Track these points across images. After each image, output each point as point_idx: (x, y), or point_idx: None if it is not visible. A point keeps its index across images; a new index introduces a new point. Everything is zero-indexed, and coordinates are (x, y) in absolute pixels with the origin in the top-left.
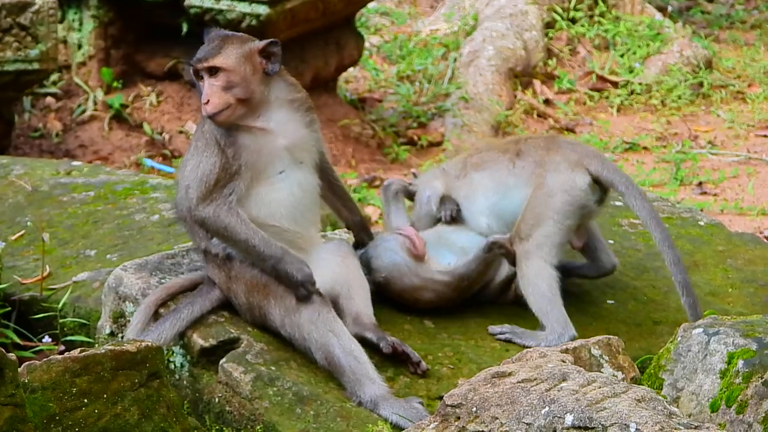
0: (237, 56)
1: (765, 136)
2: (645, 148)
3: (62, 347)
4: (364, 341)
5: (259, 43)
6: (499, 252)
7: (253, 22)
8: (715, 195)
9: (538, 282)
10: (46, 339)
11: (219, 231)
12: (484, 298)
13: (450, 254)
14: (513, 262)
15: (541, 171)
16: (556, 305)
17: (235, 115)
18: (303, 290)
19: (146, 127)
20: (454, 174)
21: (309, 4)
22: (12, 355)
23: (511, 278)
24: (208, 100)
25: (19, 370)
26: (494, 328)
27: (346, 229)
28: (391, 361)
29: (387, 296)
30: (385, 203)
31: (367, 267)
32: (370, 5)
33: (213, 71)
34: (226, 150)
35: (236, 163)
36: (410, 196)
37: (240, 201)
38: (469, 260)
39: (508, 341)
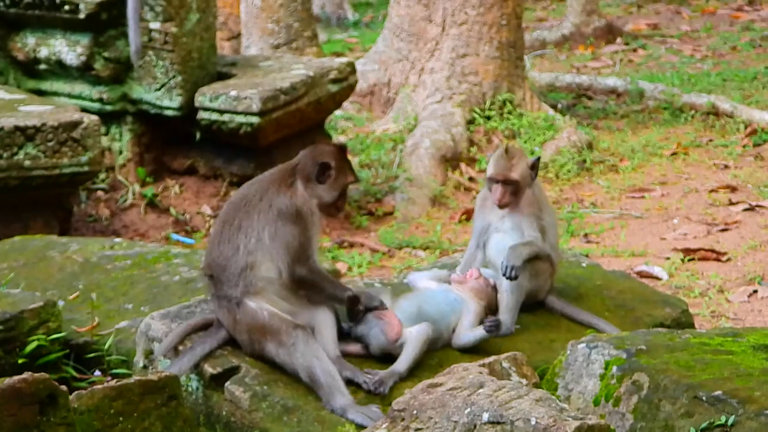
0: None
1: (633, 197)
2: None
3: (109, 378)
4: None
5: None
6: None
7: (248, 129)
8: (597, 243)
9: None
10: (97, 373)
11: (313, 279)
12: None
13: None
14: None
15: None
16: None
17: None
18: (348, 304)
19: (172, 211)
20: None
21: (289, 114)
22: (63, 387)
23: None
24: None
25: (70, 397)
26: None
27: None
28: None
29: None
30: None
31: (358, 338)
32: (337, 112)
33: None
34: (308, 220)
35: (314, 229)
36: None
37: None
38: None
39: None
